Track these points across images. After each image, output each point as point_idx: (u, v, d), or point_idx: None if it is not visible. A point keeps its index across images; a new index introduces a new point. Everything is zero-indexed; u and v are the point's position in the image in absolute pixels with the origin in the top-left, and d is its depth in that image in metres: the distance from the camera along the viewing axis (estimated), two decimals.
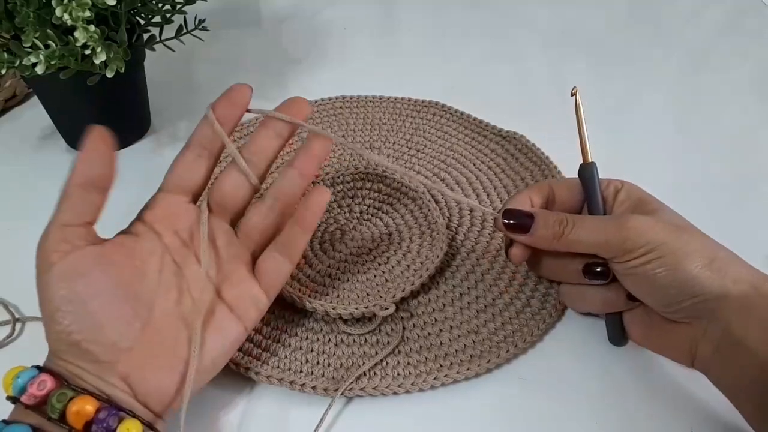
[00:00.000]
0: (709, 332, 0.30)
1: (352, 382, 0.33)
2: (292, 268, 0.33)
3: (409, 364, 0.34)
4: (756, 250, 0.31)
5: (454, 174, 0.47)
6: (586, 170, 0.34)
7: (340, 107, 0.53)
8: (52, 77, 0.40)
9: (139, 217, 0.31)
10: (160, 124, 0.52)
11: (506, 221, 0.33)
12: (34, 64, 0.38)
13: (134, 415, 0.26)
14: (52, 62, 0.38)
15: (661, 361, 0.34)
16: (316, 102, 0.54)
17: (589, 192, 0.34)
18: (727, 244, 0.31)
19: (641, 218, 0.31)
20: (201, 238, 0.31)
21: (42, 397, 0.25)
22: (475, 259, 0.40)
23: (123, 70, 0.40)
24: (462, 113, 0.52)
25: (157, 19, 0.45)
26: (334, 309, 0.35)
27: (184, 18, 0.46)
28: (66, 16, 0.35)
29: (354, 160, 0.48)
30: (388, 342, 0.35)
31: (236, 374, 0.33)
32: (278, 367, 0.34)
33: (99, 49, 0.37)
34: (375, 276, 0.39)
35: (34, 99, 0.53)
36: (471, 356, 0.34)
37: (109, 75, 0.39)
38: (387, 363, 0.34)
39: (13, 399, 0.25)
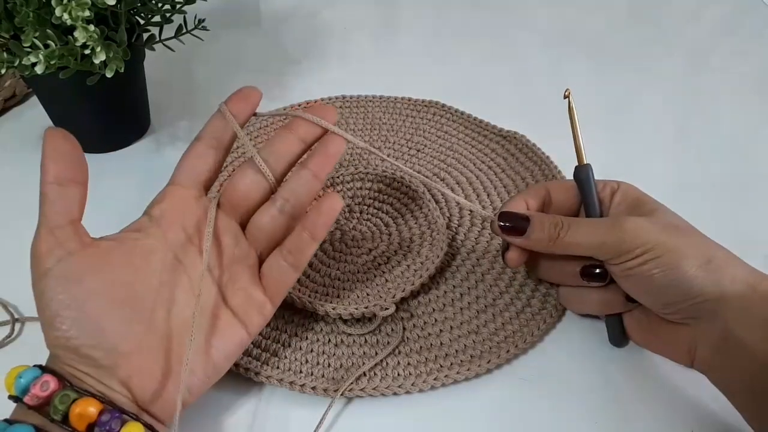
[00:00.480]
0: (707, 333, 0.30)
1: (352, 383, 0.33)
2: (297, 276, 0.32)
3: (409, 364, 0.34)
4: (756, 250, 0.31)
5: (454, 174, 0.47)
6: (582, 172, 0.34)
7: (340, 107, 0.53)
8: (51, 77, 0.40)
9: (146, 212, 0.30)
10: (160, 124, 0.52)
11: (502, 224, 0.33)
12: (34, 64, 0.37)
13: (137, 419, 0.26)
14: (52, 62, 0.38)
15: (660, 361, 0.34)
16: (315, 102, 0.54)
17: (585, 194, 0.34)
18: (726, 244, 0.31)
19: (637, 219, 0.31)
20: (206, 237, 0.30)
21: (45, 398, 0.25)
22: (475, 260, 0.40)
23: (123, 70, 0.40)
24: (462, 113, 0.52)
25: (157, 18, 0.45)
26: (334, 309, 0.35)
27: (184, 18, 0.46)
28: (66, 16, 0.35)
29: (354, 160, 0.48)
30: (388, 342, 0.35)
31: (236, 375, 0.33)
32: (278, 367, 0.34)
33: (99, 49, 0.37)
34: (375, 276, 0.39)
35: (34, 99, 0.53)
36: (471, 356, 0.34)
37: (109, 75, 0.39)
38: (387, 363, 0.34)
39: (15, 398, 0.25)
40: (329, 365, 0.34)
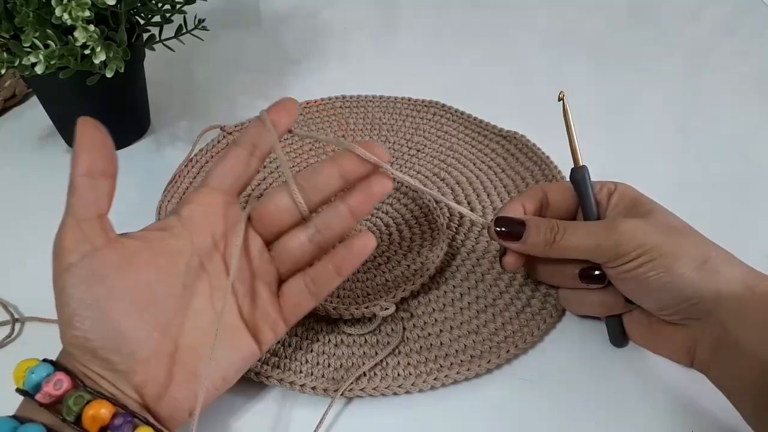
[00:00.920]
0: (706, 334, 0.30)
1: (352, 383, 0.33)
2: (315, 305, 0.31)
3: (409, 364, 0.34)
4: (756, 250, 0.31)
5: (454, 174, 0.47)
6: (578, 174, 0.34)
7: (340, 107, 0.53)
8: (51, 77, 0.40)
9: (176, 211, 0.30)
10: (159, 124, 0.52)
11: (498, 229, 0.33)
12: (34, 64, 0.37)
13: (148, 423, 0.25)
14: (52, 62, 0.38)
15: (660, 361, 0.34)
16: (315, 102, 0.54)
17: (582, 195, 0.34)
18: (726, 244, 0.31)
19: (632, 222, 0.31)
20: (234, 250, 0.29)
21: (57, 397, 0.24)
22: (475, 260, 0.40)
23: (123, 70, 0.40)
24: (462, 113, 0.52)
25: (157, 18, 0.45)
26: (334, 309, 0.35)
27: (184, 18, 0.46)
28: (66, 16, 0.35)
29: None
30: (388, 342, 0.35)
31: None
32: (278, 367, 0.34)
33: (99, 49, 0.37)
34: (375, 276, 0.39)
35: (34, 99, 0.53)
36: (471, 356, 0.34)
37: (109, 75, 0.39)
38: (387, 363, 0.34)
39: (24, 392, 0.25)
40: (329, 365, 0.34)
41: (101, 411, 0.24)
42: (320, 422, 0.31)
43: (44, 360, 0.26)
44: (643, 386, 0.33)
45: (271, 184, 0.46)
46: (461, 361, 0.34)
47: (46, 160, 0.49)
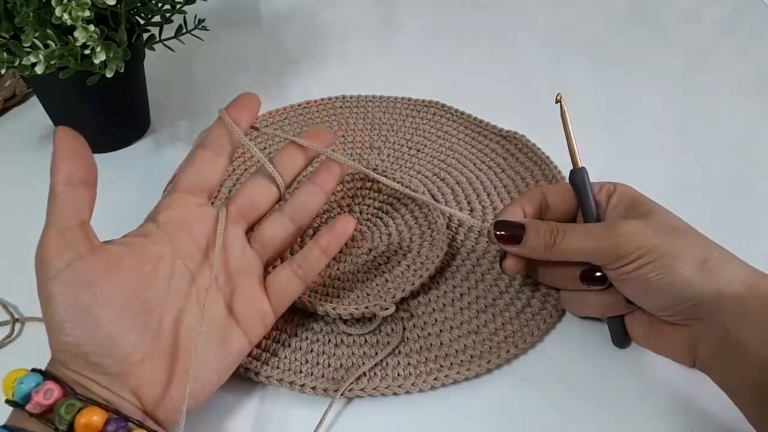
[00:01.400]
0: (707, 334, 0.30)
1: (352, 383, 0.33)
2: (304, 288, 0.33)
3: (409, 364, 0.34)
4: (756, 249, 0.31)
5: (454, 174, 0.46)
6: (577, 175, 0.34)
7: (340, 107, 0.53)
8: (51, 77, 0.40)
9: (153, 218, 0.30)
10: (160, 124, 0.52)
11: (498, 233, 0.33)
12: (34, 64, 0.37)
13: (142, 426, 0.25)
14: (52, 62, 0.38)
15: (660, 361, 0.34)
16: (315, 102, 0.54)
17: (582, 197, 0.34)
18: (727, 244, 0.31)
19: (632, 223, 0.31)
20: (216, 247, 0.30)
21: (48, 407, 0.24)
22: (475, 260, 0.40)
23: (123, 70, 0.40)
24: (462, 113, 0.52)
25: (157, 18, 0.45)
26: (334, 309, 0.35)
27: (184, 18, 0.46)
28: (66, 16, 0.35)
29: (354, 160, 0.48)
30: (388, 342, 0.35)
31: (236, 375, 0.33)
32: (278, 367, 0.34)
33: (99, 49, 0.37)
34: (375, 276, 0.39)
35: (34, 99, 0.53)
36: (471, 356, 0.34)
37: (109, 75, 0.39)
38: (387, 363, 0.34)
39: (14, 403, 0.25)
40: (329, 365, 0.34)
41: (93, 418, 0.24)
42: (320, 422, 0.31)
43: (33, 369, 0.25)
44: (643, 386, 0.33)
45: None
46: (461, 361, 0.34)
47: (46, 160, 0.48)
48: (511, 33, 0.66)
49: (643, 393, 0.33)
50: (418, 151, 0.49)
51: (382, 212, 0.43)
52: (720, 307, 0.29)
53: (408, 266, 0.39)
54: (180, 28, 0.46)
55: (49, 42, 0.38)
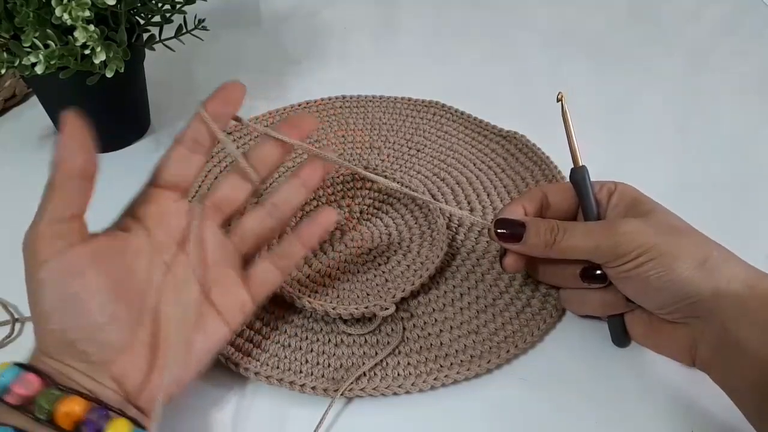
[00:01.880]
0: (706, 333, 0.30)
1: (352, 383, 0.33)
2: (283, 279, 0.33)
3: (409, 364, 0.34)
4: (756, 249, 0.31)
5: (454, 174, 0.46)
6: (578, 174, 0.34)
7: (340, 107, 0.53)
8: (51, 77, 0.40)
9: (130, 213, 0.30)
10: (159, 124, 0.52)
11: (498, 231, 0.33)
12: (34, 64, 0.38)
13: (123, 415, 0.26)
14: (52, 62, 0.38)
15: (661, 361, 0.34)
16: (315, 102, 0.54)
17: (582, 195, 0.34)
18: (727, 244, 0.31)
19: (632, 222, 0.31)
20: (191, 238, 0.31)
21: (27, 397, 0.24)
22: (475, 260, 0.40)
23: (123, 70, 0.40)
24: (462, 113, 0.52)
25: (157, 18, 0.45)
26: (334, 309, 0.35)
27: (184, 18, 0.46)
28: (66, 16, 0.35)
29: (354, 160, 0.48)
30: (388, 342, 0.35)
31: (236, 375, 0.33)
32: (278, 367, 0.34)
33: (99, 49, 0.37)
34: (375, 276, 0.39)
35: (34, 99, 0.53)
36: (471, 356, 0.34)
37: (109, 75, 0.39)
38: (387, 363, 0.34)
39: None
40: (329, 365, 0.34)
41: (74, 407, 0.24)
42: (320, 422, 0.31)
43: (15, 363, 0.26)
44: (643, 386, 0.33)
45: (270, 185, 0.46)
46: (461, 361, 0.34)
47: (46, 160, 0.48)
48: (511, 33, 0.66)
49: (643, 393, 0.33)
50: (418, 151, 0.49)
51: (382, 212, 0.43)
52: (719, 306, 0.29)
53: (408, 266, 0.39)
54: (180, 28, 0.46)
55: (49, 42, 0.38)
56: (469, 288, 0.38)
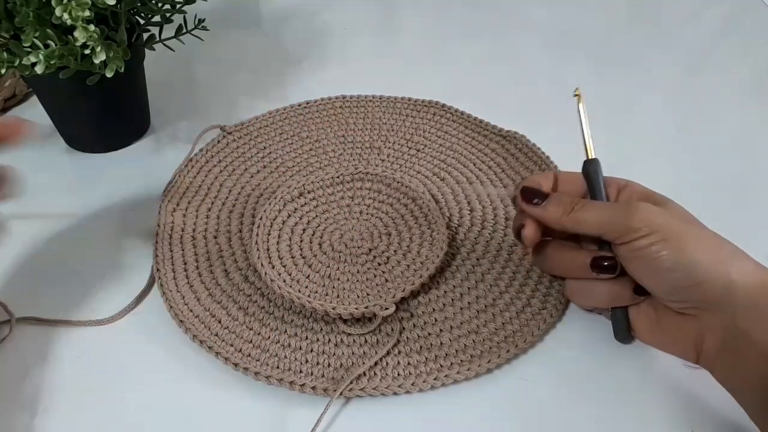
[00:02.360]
0: (714, 325, 0.30)
1: (351, 382, 0.33)
2: None
3: (409, 364, 0.34)
4: (757, 249, 0.31)
5: (454, 174, 0.46)
6: (590, 166, 0.34)
7: (340, 107, 0.53)
8: (51, 77, 0.40)
9: None
10: (160, 124, 0.52)
11: (524, 187, 0.34)
12: (34, 64, 0.37)
13: None
14: (52, 62, 0.38)
15: (662, 361, 0.34)
16: (315, 102, 0.54)
17: (593, 187, 0.34)
18: None
19: (648, 205, 0.31)
20: None
21: None
22: (475, 259, 0.40)
23: (123, 70, 0.40)
24: (462, 113, 0.52)
25: (157, 18, 0.45)
26: (334, 309, 0.35)
27: (184, 18, 0.46)
28: (66, 16, 0.35)
29: (354, 160, 0.48)
30: (387, 342, 0.35)
31: (236, 375, 0.33)
32: (278, 367, 0.34)
33: (99, 49, 0.37)
34: (375, 276, 0.39)
35: (34, 99, 0.53)
36: (471, 356, 0.34)
37: (109, 75, 0.39)
38: (387, 363, 0.34)
39: None
40: (329, 365, 0.34)
41: None
42: (318, 422, 0.31)
43: None
44: (643, 386, 0.33)
45: (270, 185, 0.46)
46: (461, 361, 0.34)
47: (46, 160, 0.49)
48: (511, 33, 0.66)
49: (644, 393, 0.33)
50: (418, 151, 0.49)
51: (382, 212, 0.43)
52: (730, 296, 0.29)
53: (408, 266, 0.39)
54: (180, 28, 0.46)
55: (49, 42, 0.38)
56: (469, 288, 0.38)
